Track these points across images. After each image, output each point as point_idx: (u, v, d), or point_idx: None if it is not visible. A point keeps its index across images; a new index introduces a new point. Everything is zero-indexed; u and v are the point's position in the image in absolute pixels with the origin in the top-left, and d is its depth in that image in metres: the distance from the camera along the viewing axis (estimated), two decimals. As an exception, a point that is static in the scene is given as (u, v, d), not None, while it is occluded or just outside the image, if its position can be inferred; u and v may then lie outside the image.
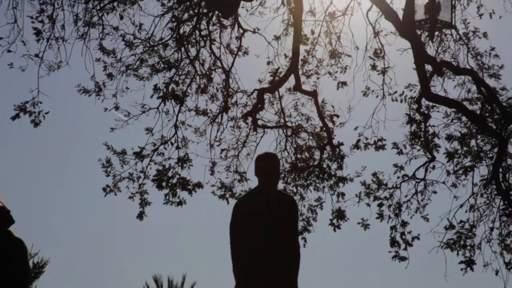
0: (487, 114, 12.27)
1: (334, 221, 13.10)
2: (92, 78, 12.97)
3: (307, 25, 13.15)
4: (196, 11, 13.17)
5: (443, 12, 8.24)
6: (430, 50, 12.16)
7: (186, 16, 13.27)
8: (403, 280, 43.16)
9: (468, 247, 12.33)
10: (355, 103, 13.20)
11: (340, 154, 13.33)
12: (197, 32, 13.33)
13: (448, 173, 12.81)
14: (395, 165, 12.81)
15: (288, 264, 6.33)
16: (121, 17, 12.78)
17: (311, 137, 13.73)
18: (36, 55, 12.12)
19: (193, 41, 13.38)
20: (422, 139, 12.77)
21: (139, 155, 13.25)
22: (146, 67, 13.30)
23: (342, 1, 13.38)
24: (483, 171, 12.66)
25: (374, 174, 12.92)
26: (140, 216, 13.39)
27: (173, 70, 13.36)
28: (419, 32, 10.95)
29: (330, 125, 13.34)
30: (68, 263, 44.97)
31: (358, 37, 13.15)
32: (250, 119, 13.49)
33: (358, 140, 13.08)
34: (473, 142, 12.79)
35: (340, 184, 13.32)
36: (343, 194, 13.27)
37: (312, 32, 13.33)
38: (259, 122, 13.54)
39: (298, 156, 13.71)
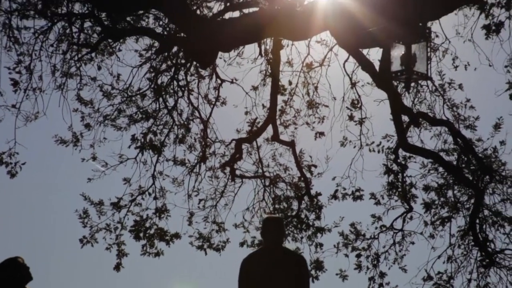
0: (463, 165, 12.32)
1: (312, 272, 13.03)
2: (69, 129, 12.98)
3: (284, 75, 13.30)
4: (174, 61, 13.22)
5: (419, 63, 8.28)
6: (407, 101, 12.29)
7: (164, 66, 13.32)
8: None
9: (447, 299, 12.28)
10: (332, 153, 13.30)
11: (318, 205, 13.33)
12: (175, 82, 13.36)
13: (426, 223, 12.77)
14: (373, 216, 12.79)
15: None
16: (99, 68, 12.84)
17: (289, 187, 13.74)
18: (13, 106, 12.06)
19: (171, 91, 13.41)
20: (399, 189, 12.78)
21: (117, 206, 13.18)
22: (124, 117, 13.32)
23: (319, 52, 13.58)
24: (460, 222, 12.65)
25: (352, 225, 12.89)
26: (117, 267, 13.26)
27: (151, 120, 13.38)
28: (395, 83, 11.02)
29: (308, 175, 13.39)
30: (43, 315, 44.16)
31: (335, 87, 13.32)
32: (228, 169, 13.50)
33: (336, 191, 13.12)
34: (450, 193, 12.80)
35: (318, 235, 13.29)
36: (321, 245, 13.25)
37: (290, 83, 13.45)
38: (237, 172, 13.56)
39: (276, 206, 13.67)
